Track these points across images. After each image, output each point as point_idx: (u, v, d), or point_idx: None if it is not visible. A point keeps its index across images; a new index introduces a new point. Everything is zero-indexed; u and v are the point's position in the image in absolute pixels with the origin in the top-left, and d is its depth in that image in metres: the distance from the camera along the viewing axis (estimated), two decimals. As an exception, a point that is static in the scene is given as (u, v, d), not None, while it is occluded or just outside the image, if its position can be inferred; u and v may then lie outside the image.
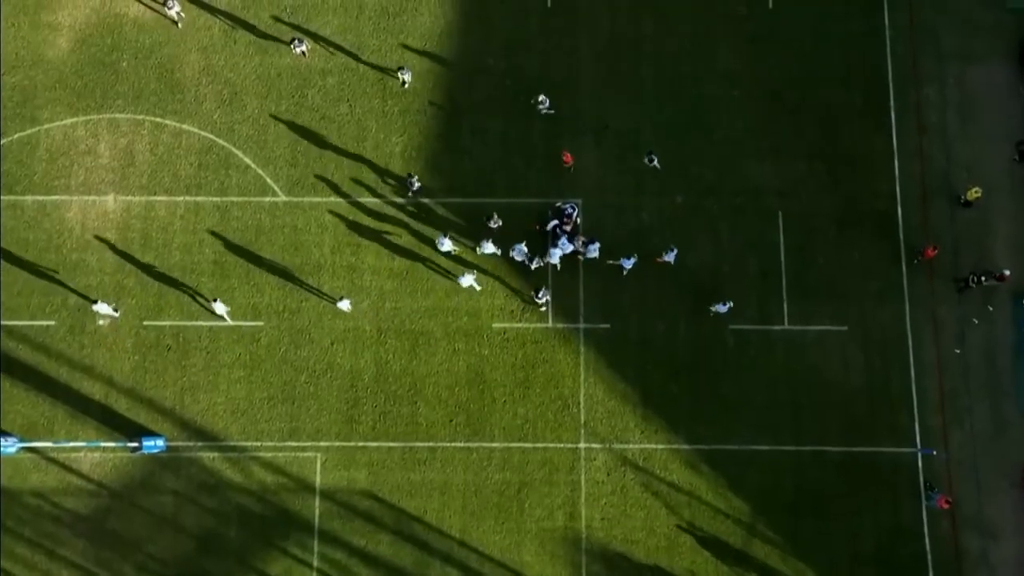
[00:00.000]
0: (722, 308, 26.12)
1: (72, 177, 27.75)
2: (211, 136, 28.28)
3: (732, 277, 27.50)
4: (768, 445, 26.33)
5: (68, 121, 28.19)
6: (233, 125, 28.35)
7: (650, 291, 27.44)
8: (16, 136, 27.96)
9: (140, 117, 28.31)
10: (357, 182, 27.99)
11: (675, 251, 26.61)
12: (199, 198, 27.80)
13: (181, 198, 27.79)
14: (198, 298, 26.90)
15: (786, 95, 28.83)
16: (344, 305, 26.27)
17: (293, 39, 28.05)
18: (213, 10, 28.94)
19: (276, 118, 28.36)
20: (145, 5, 28.83)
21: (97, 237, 27.18)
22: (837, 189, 28.10)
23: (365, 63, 28.75)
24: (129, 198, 27.73)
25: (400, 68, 27.96)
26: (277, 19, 28.99)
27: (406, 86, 28.17)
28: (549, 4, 29.39)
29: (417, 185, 27.21)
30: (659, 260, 26.76)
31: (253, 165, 28.12)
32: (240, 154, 28.17)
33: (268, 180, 28.01)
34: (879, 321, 27.12)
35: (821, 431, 26.42)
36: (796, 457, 26.27)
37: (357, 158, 28.14)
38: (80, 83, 28.39)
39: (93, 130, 28.12)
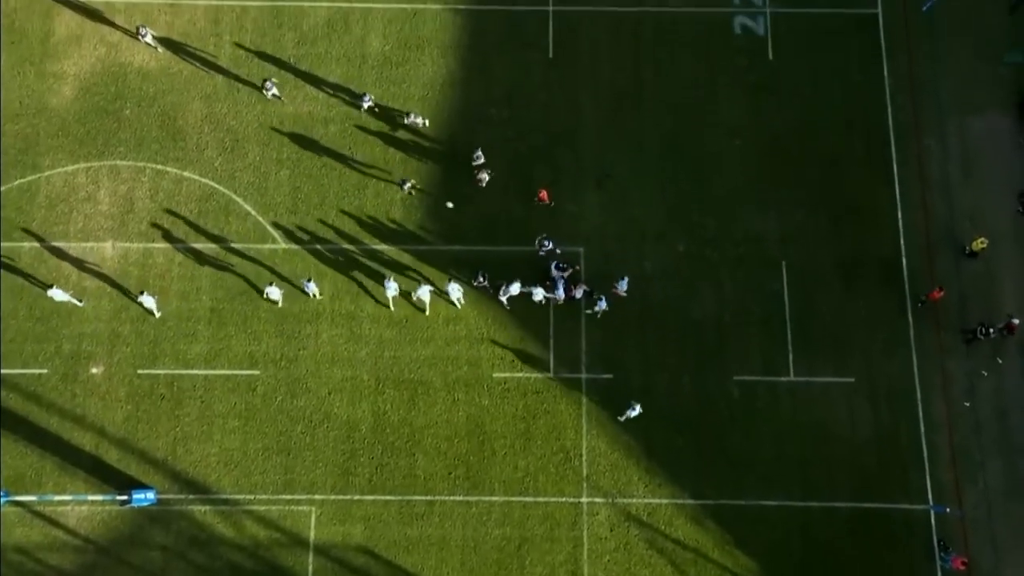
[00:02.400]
0: (632, 412, 25.41)
1: (71, 224, 27.58)
2: (212, 183, 28.21)
3: (735, 327, 27.11)
4: (776, 500, 25.61)
5: (69, 168, 28.14)
6: (234, 172, 28.30)
7: (652, 341, 27.03)
8: (16, 183, 27.87)
9: (141, 164, 28.27)
10: (357, 230, 27.80)
11: (626, 279, 26.29)
12: (198, 245, 27.57)
13: (180, 245, 27.56)
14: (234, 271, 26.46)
15: (787, 145, 28.86)
16: (311, 288, 26.17)
17: (265, 80, 28.16)
18: (216, 59, 29.16)
19: (277, 166, 28.34)
20: (132, 38, 29.08)
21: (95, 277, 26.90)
22: (840, 239, 27.91)
23: (367, 112, 28.89)
24: (127, 245, 27.50)
25: (407, 113, 28.01)
26: (281, 68, 29.20)
27: (425, 126, 28.24)
28: (551, 55, 29.63)
29: (409, 185, 27.14)
30: (614, 290, 26.42)
31: (253, 212, 27.98)
32: (240, 201, 28.05)
33: (268, 227, 27.83)
34: (886, 373, 26.65)
35: (830, 486, 25.72)
36: (805, 513, 25.53)
37: (358, 206, 28.02)
38: (82, 130, 28.43)
39: (94, 177, 28.06)
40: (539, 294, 26.38)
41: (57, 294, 25.89)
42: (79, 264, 27.16)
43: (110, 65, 29.05)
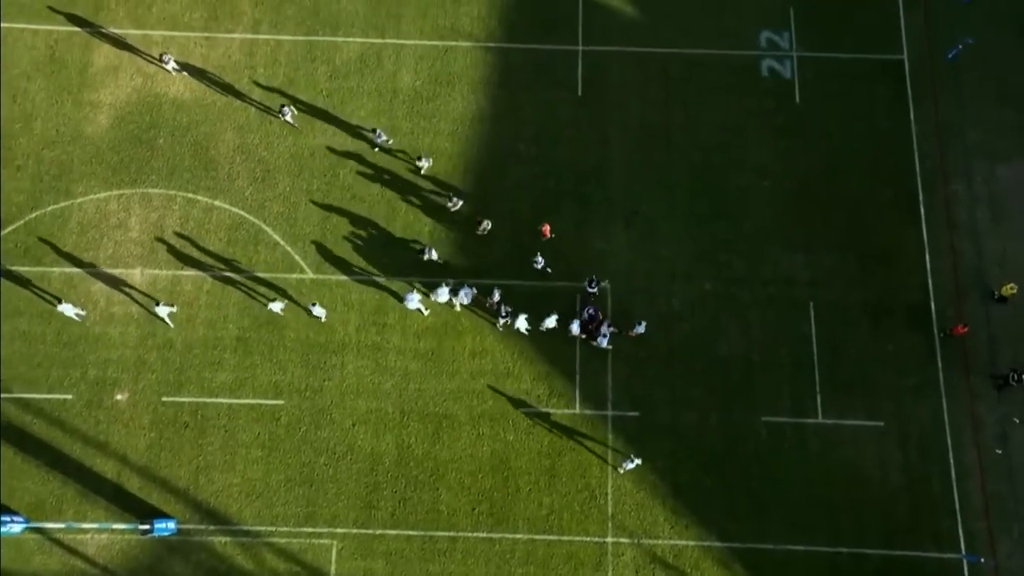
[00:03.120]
0: (630, 465, 25.07)
1: (101, 250, 27.73)
2: (242, 212, 28.40)
3: (763, 367, 26.95)
4: (804, 545, 25.17)
5: (101, 195, 28.39)
6: (264, 202, 28.50)
7: (679, 379, 26.87)
8: (49, 208, 28.11)
9: (173, 192, 28.52)
10: (385, 262, 27.89)
11: (644, 324, 26.29)
12: (226, 274, 27.66)
13: (208, 273, 27.66)
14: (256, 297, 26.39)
15: (815, 187, 28.97)
16: (318, 311, 26.27)
17: (282, 106, 28.54)
18: (249, 91, 29.57)
19: (307, 196, 28.55)
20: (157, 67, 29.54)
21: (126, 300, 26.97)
22: (868, 282, 27.85)
23: (395, 146, 29.16)
24: (156, 272, 27.61)
25: (419, 157, 28.30)
26: (312, 101, 29.57)
27: (423, 171, 28.46)
28: (580, 93, 29.96)
29: (434, 255, 27.31)
30: (630, 334, 26.47)
31: (282, 242, 28.10)
32: (270, 231, 28.21)
33: (296, 257, 27.93)
34: (916, 417, 26.38)
35: (859, 532, 25.30)
36: (833, 559, 25.08)
37: (386, 238, 28.14)
38: (116, 158, 28.74)
39: (125, 204, 28.28)
40: (571, 325, 26.42)
41: (67, 309, 25.99)
42: (108, 290, 27.25)
43: (145, 95, 29.47)
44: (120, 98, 29.41)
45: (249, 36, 30.29)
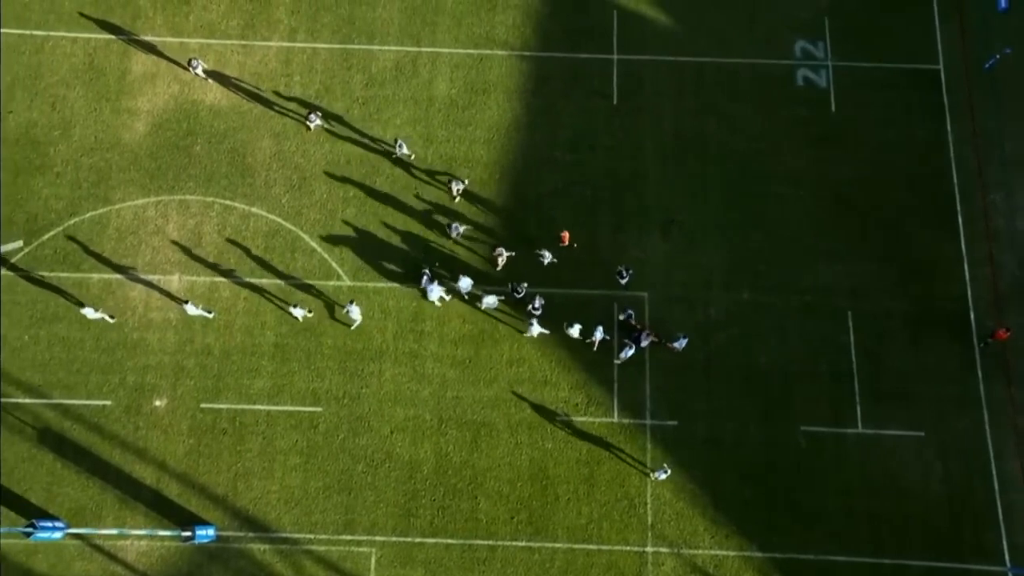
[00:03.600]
0: (662, 475, 25.04)
1: (139, 256, 27.82)
2: (279, 219, 28.46)
3: (801, 377, 26.84)
4: (846, 556, 25.02)
5: (139, 201, 28.50)
6: (301, 209, 28.57)
7: (717, 389, 26.78)
8: (88, 215, 28.22)
9: (210, 199, 28.61)
10: (422, 269, 27.89)
11: (686, 339, 26.17)
12: (263, 280, 27.71)
13: (246, 280, 27.72)
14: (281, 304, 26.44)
15: (852, 197, 28.90)
16: (354, 313, 26.29)
17: (309, 112, 28.64)
18: (285, 99, 29.68)
19: (344, 204, 28.60)
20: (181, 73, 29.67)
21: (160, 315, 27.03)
22: (907, 292, 27.75)
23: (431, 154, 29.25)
24: (194, 278, 27.67)
25: (451, 179, 28.24)
26: (348, 109, 29.67)
27: (456, 197, 28.37)
28: (615, 101, 29.99)
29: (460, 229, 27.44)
30: (670, 345, 26.36)
31: (319, 249, 28.15)
32: (307, 238, 28.26)
33: (333, 264, 27.97)
34: (957, 428, 26.23)
35: (901, 543, 25.14)
36: (875, 571, 24.91)
37: (423, 245, 28.16)
38: (154, 165, 28.86)
39: (163, 211, 28.38)
40: (597, 333, 26.40)
41: (89, 312, 26.08)
42: (145, 296, 27.32)
43: (183, 102, 29.60)
44: (157, 105, 29.55)
45: (285, 44, 30.44)
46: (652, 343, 26.53)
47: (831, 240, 28.42)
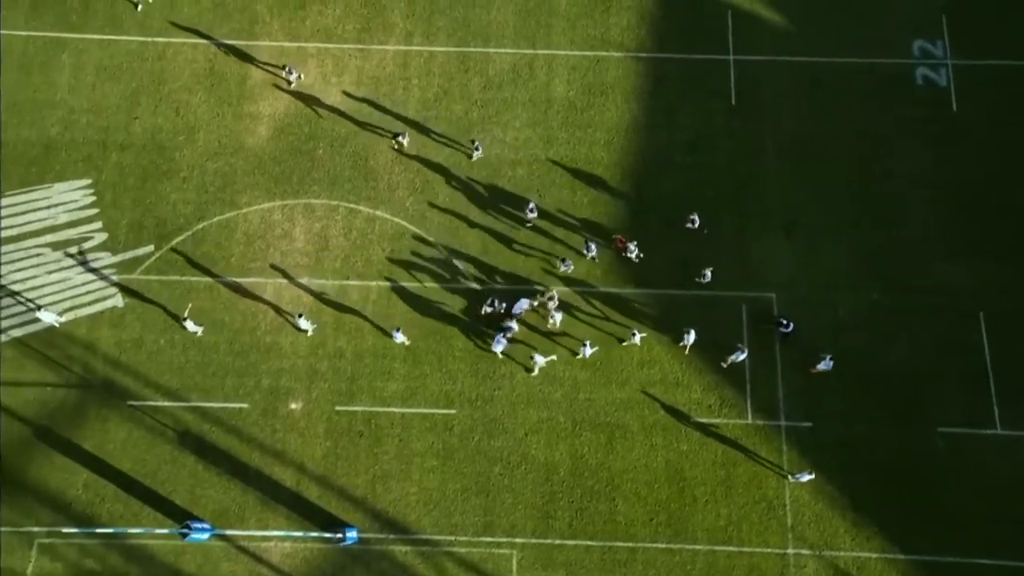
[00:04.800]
0: (804, 478, 25.16)
1: (268, 259, 28.03)
2: (403, 222, 28.60)
3: (934, 378, 26.69)
4: (991, 559, 24.84)
5: (265, 205, 28.72)
6: (424, 212, 28.69)
7: (850, 389, 26.65)
8: (216, 219, 28.47)
9: (335, 203, 28.78)
10: (548, 270, 27.95)
11: (831, 361, 25.95)
12: (391, 283, 27.86)
13: (374, 283, 27.86)
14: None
15: (974, 196, 28.69)
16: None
17: (396, 135, 28.63)
18: (404, 102, 29.77)
19: (467, 207, 28.68)
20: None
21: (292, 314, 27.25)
22: (1038, 290, 27.57)
23: (552, 156, 29.27)
24: (323, 281, 27.86)
25: (527, 205, 27.83)
26: (467, 112, 29.75)
27: (529, 223, 28.21)
28: (734, 102, 29.93)
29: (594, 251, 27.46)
30: (812, 371, 26.33)
31: (444, 252, 28.26)
32: (432, 241, 28.38)
33: (459, 267, 28.08)
34: (1098, 428, 26.03)
35: (1046, 545, 24.99)
36: (1021, 574, 24.72)
37: (549, 247, 28.19)
38: (278, 169, 29.07)
39: (289, 214, 28.59)
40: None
41: (189, 325, 26.40)
42: (276, 299, 27.53)
43: (303, 107, 29.79)
44: (279, 109, 29.76)
45: (402, 48, 30.57)
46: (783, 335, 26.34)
47: (956, 240, 28.22)
